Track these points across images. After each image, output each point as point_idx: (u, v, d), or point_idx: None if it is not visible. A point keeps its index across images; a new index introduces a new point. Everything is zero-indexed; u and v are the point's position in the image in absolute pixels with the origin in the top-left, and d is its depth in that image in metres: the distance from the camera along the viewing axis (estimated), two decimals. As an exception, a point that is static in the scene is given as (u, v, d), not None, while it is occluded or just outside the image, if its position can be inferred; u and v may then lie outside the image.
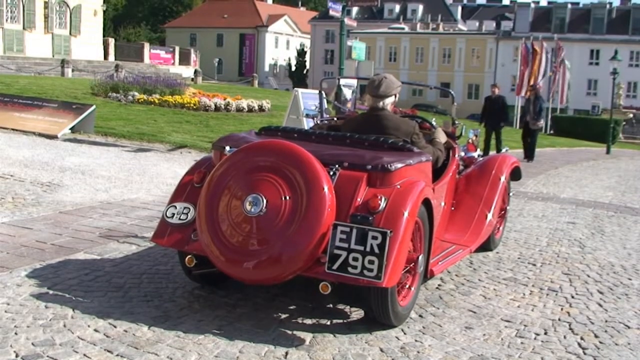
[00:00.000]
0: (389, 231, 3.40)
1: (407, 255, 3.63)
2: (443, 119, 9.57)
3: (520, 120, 17.18)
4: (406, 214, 3.54)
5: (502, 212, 5.96)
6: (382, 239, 3.37)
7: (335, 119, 5.73)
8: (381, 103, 4.51)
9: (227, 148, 4.01)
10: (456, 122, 5.57)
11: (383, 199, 3.58)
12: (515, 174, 6.09)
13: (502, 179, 5.58)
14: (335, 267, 3.41)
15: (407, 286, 3.89)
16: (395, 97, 4.60)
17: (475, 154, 5.88)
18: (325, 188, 3.53)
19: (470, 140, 5.90)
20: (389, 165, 3.72)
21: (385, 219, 3.50)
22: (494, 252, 5.76)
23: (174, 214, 4.04)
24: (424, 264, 4.03)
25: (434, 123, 5.32)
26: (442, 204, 4.72)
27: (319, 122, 5.62)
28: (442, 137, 4.98)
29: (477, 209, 5.27)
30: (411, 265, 3.85)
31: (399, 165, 3.78)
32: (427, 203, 3.89)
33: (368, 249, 3.37)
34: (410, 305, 3.92)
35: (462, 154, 5.65)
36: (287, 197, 3.54)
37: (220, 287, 4.19)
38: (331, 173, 3.67)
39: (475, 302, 4.36)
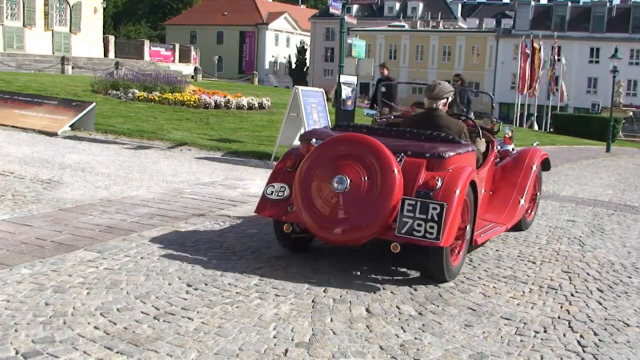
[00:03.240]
0: (445, 204, 4.34)
1: (457, 224, 4.56)
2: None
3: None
4: (457, 191, 4.49)
5: (534, 197, 6.86)
6: (440, 210, 4.32)
7: (392, 117, 6.79)
8: (435, 104, 5.50)
9: (314, 140, 5.01)
10: (494, 119, 6.70)
11: (439, 179, 4.53)
12: (545, 165, 7.14)
13: (534, 168, 6.50)
14: (403, 231, 4.37)
15: (457, 251, 4.81)
16: (447, 99, 5.56)
17: (510, 147, 6.86)
18: (395, 171, 4.49)
19: (506, 135, 6.86)
20: (443, 154, 4.71)
21: (441, 194, 4.45)
22: (493, 250, 5.76)
23: (272, 192, 5.00)
24: (470, 234, 4.97)
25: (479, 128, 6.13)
26: (482, 191, 5.55)
27: (378, 120, 6.81)
28: (482, 146, 5.94)
29: (511, 195, 6.20)
30: (460, 233, 4.77)
31: (451, 153, 4.75)
32: (472, 184, 4.86)
33: (429, 217, 4.32)
34: (459, 266, 4.85)
35: (499, 147, 6.56)
36: (366, 178, 4.53)
37: (304, 251, 5.22)
38: (398, 159, 4.61)
39: (475, 299, 4.36)
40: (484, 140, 5.97)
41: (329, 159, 4.66)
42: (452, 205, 4.40)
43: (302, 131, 10.18)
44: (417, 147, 4.81)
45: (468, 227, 4.90)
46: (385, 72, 14.14)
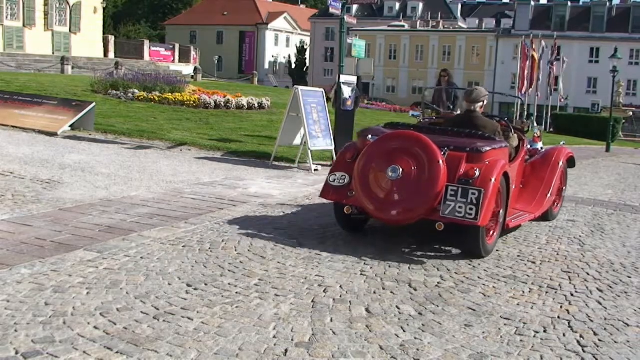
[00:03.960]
0: (482, 190, 5.11)
1: (492, 209, 5.34)
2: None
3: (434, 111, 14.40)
4: (493, 179, 5.26)
5: (560, 191, 7.56)
6: (478, 195, 5.08)
7: (434, 117, 7.72)
8: (473, 107, 6.37)
9: (370, 136, 5.85)
10: (525, 120, 7.41)
11: (477, 170, 5.30)
12: (571, 162, 7.84)
13: (560, 164, 7.28)
14: (447, 212, 5.13)
15: (491, 232, 5.57)
16: (483, 102, 6.41)
17: (539, 146, 7.65)
18: (440, 162, 5.26)
19: (535, 135, 7.63)
20: (481, 148, 5.51)
21: (479, 182, 5.22)
22: (493, 250, 5.76)
23: (334, 179, 5.79)
24: (503, 217, 5.75)
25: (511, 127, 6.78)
26: (513, 182, 6.18)
27: (421, 120, 7.62)
28: (514, 143, 6.50)
29: (540, 188, 6.98)
30: (495, 216, 5.52)
31: (487, 148, 5.54)
32: (505, 175, 5.65)
33: (469, 201, 5.09)
34: (493, 245, 5.63)
35: (529, 145, 7.23)
36: (415, 168, 5.29)
37: (359, 232, 6.05)
38: (443, 153, 5.36)
39: (475, 299, 4.36)
40: (515, 138, 6.60)
41: (383, 152, 5.45)
42: (488, 191, 5.17)
43: (302, 131, 10.20)
44: (459, 143, 5.60)
45: (501, 211, 5.70)
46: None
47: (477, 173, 5.27)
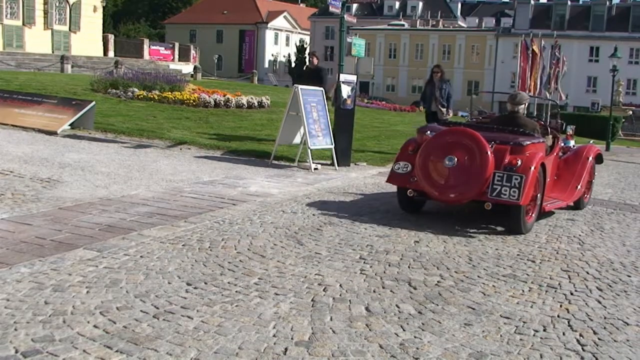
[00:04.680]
0: (523, 175, 6.15)
1: (532, 192, 6.37)
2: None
3: (422, 105, 13.53)
4: (532, 168, 6.28)
5: (589, 183, 8.53)
6: (520, 180, 6.12)
7: (481, 117, 8.98)
8: (516, 108, 7.40)
9: (428, 132, 6.92)
10: (559, 121, 8.38)
11: (519, 160, 6.35)
12: (599, 159, 8.91)
13: (589, 160, 8.30)
14: (494, 194, 6.19)
15: (530, 213, 6.59)
16: (524, 105, 7.50)
17: (571, 143, 9.02)
18: (489, 153, 6.31)
19: (568, 133, 8.86)
20: (522, 142, 6.56)
21: (521, 169, 6.23)
22: (493, 249, 5.77)
23: (399, 168, 6.89)
24: (540, 201, 6.76)
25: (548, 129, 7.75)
26: (548, 176, 7.14)
27: (469, 120, 8.65)
28: (549, 140, 7.49)
29: (571, 180, 7.98)
30: (533, 199, 6.57)
31: (527, 142, 6.60)
32: (542, 165, 6.68)
33: (512, 184, 6.14)
34: (531, 224, 6.64)
35: (562, 144, 8.24)
36: (468, 158, 6.35)
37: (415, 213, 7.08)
38: (490, 146, 6.36)
39: (475, 298, 4.36)
40: (551, 136, 7.60)
41: (441, 144, 6.52)
42: (528, 176, 6.19)
43: (301, 130, 10.20)
44: (503, 138, 6.66)
45: (539, 195, 6.72)
46: (315, 61, 13.44)
47: (519, 162, 6.33)
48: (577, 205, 8.17)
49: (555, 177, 7.72)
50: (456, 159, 6.37)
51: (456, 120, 7.89)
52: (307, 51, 74.15)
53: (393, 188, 8.70)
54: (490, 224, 6.77)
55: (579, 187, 7.93)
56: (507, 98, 7.67)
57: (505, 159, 6.38)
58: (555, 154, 7.65)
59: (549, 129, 7.62)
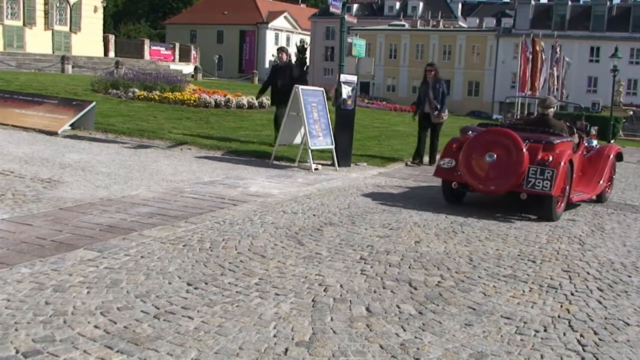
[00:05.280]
0: (554, 170, 7.12)
1: (562, 184, 7.31)
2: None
3: (415, 109, 12.55)
4: (562, 163, 7.25)
5: (610, 179, 9.37)
6: (551, 173, 7.10)
7: (514, 119, 10.12)
8: (546, 111, 8.39)
9: (470, 132, 7.98)
10: (584, 123, 9.24)
11: (551, 156, 7.29)
12: (619, 157, 9.73)
13: (611, 158, 9.17)
14: (529, 186, 7.18)
15: (559, 203, 7.52)
16: (553, 109, 8.52)
17: (594, 143, 10.04)
18: (524, 150, 7.28)
19: (592, 133, 9.76)
20: (552, 141, 7.54)
21: (552, 164, 7.19)
22: (493, 249, 5.77)
23: (444, 163, 7.90)
24: (568, 193, 7.71)
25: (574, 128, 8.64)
26: (574, 172, 8.02)
27: (503, 122, 9.82)
28: (575, 140, 8.32)
29: (595, 175, 8.85)
30: (562, 191, 7.48)
31: (557, 141, 7.57)
32: (570, 161, 7.63)
33: (545, 177, 7.11)
34: (560, 213, 7.57)
35: (586, 143, 9.12)
36: (506, 154, 7.30)
37: (458, 203, 8.01)
38: (525, 144, 7.34)
39: (475, 299, 4.36)
40: (576, 135, 8.45)
41: (482, 143, 7.52)
42: (558, 170, 7.14)
43: (302, 130, 10.19)
44: (536, 137, 7.61)
45: (567, 188, 7.64)
46: (284, 57, 12.40)
47: (551, 158, 7.26)
48: (599, 199, 9.00)
49: (580, 173, 8.50)
50: (495, 156, 7.32)
51: (493, 122, 9.32)
52: (308, 51, 74.28)
53: (393, 188, 8.70)
54: (526, 213, 7.60)
55: (601, 182, 8.84)
56: (537, 102, 8.99)
57: (538, 156, 7.32)
58: (580, 152, 8.55)
59: (575, 130, 8.49)
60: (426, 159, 12.16)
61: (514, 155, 7.27)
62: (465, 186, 7.73)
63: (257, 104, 18.10)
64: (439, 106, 11.65)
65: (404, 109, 32.28)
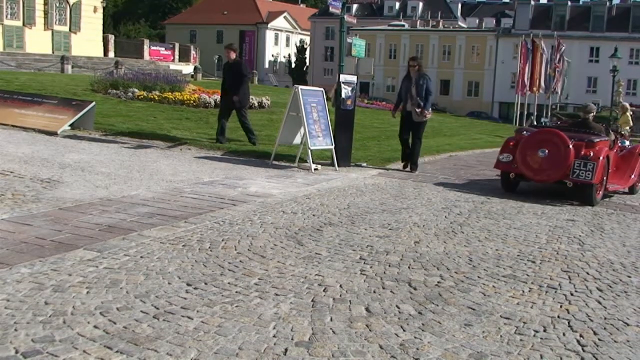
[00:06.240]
0: (595, 162, 8.62)
1: (601, 175, 8.84)
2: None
3: (395, 107, 11.51)
4: (601, 158, 8.77)
5: None
6: (593, 166, 8.61)
7: (559, 122, 11.94)
8: (587, 115, 9.94)
9: (525, 132, 9.70)
10: (618, 125, 12.45)
11: (592, 152, 8.85)
12: None
13: None
14: (574, 176, 8.71)
15: (598, 191, 9.02)
16: (593, 113, 10.07)
17: (627, 143, 11.41)
18: (570, 147, 8.80)
19: (626, 134, 11.24)
20: (593, 140, 9.11)
21: (593, 158, 8.70)
22: (493, 249, 5.77)
23: (503, 157, 9.39)
24: (605, 183, 9.25)
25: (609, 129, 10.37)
26: (610, 167, 9.45)
27: (548, 124, 11.77)
28: (611, 138, 9.76)
29: (627, 171, 10.32)
30: (600, 181, 8.99)
31: (597, 140, 9.14)
32: (607, 157, 9.16)
33: (587, 169, 8.62)
34: (599, 200, 9.10)
35: (620, 143, 10.55)
36: (555, 150, 8.82)
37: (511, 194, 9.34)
38: (571, 142, 8.86)
39: (475, 299, 4.36)
40: (612, 135, 9.87)
41: (535, 141, 9.08)
42: (598, 163, 8.66)
43: (302, 131, 10.19)
44: (579, 137, 9.18)
45: (605, 179, 9.18)
46: (232, 55, 12.07)
47: (592, 154, 8.82)
48: (631, 190, 10.48)
49: (614, 168, 9.84)
50: (547, 151, 8.88)
51: (542, 125, 10.96)
52: (307, 51, 74.30)
53: (393, 188, 8.70)
54: (570, 199, 9.08)
55: (632, 176, 10.34)
56: (579, 108, 10.68)
57: (582, 151, 8.85)
58: (615, 150, 9.99)
59: (610, 131, 10.03)
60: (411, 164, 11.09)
61: (562, 151, 8.79)
62: (520, 176, 9.29)
63: (256, 104, 18.10)
64: (421, 103, 10.72)
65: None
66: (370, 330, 3.67)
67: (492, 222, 7.08)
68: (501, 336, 3.74)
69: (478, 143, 19.86)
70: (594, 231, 7.03)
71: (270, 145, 11.56)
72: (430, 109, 11.00)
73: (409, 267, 4.99)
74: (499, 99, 61.16)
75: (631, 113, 19.98)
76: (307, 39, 76.50)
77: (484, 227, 6.74)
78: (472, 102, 62.19)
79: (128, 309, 3.73)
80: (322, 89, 11.05)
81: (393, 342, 3.53)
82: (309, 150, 10.06)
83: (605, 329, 3.99)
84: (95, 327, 3.44)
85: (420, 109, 10.70)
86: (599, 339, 3.81)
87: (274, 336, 3.49)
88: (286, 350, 3.33)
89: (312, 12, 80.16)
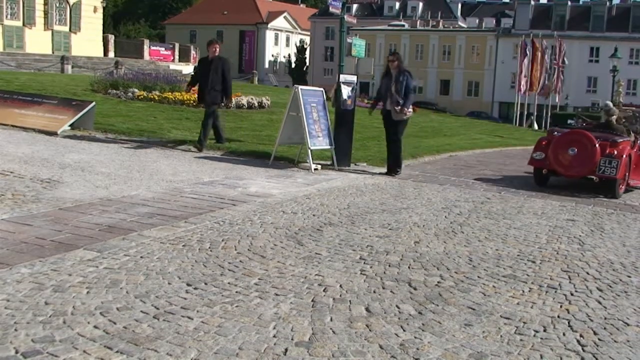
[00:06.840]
0: (619, 160, 9.73)
1: (623, 171, 9.86)
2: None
3: (372, 105, 11.41)
4: (624, 156, 9.84)
5: None
6: (616, 163, 9.71)
7: (584, 124, 12.97)
8: (610, 118, 10.97)
9: (556, 132, 10.76)
10: (638, 126, 12.13)
11: (615, 151, 9.88)
12: None
13: None
14: (600, 172, 9.79)
15: (621, 185, 10.01)
16: (615, 115, 11.10)
17: None
18: (596, 146, 9.86)
19: None
20: (616, 140, 10.15)
21: (617, 156, 9.79)
22: (493, 249, 5.77)
23: (536, 155, 10.42)
24: (627, 179, 10.24)
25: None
26: (631, 165, 10.45)
27: (574, 125, 13.41)
28: (632, 138, 10.73)
29: None
30: (623, 177, 10.00)
31: (620, 140, 10.18)
32: (629, 155, 10.21)
33: (612, 166, 9.71)
34: (622, 193, 10.08)
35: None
36: (583, 149, 9.88)
37: (544, 188, 10.22)
38: (597, 141, 9.87)
39: (475, 299, 4.36)
40: (633, 136, 10.87)
41: (565, 140, 10.11)
42: (621, 161, 9.70)
43: (302, 130, 10.19)
44: (604, 137, 10.19)
45: (627, 175, 10.17)
46: (216, 50, 11.40)
47: (616, 152, 9.85)
48: None
49: (634, 165, 10.71)
50: (576, 150, 9.89)
51: (569, 126, 12.12)
52: (307, 51, 74.32)
53: (393, 188, 8.72)
54: (596, 193, 9.88)
55: None
56: (602, 110, 12.01)
57: (607, 150, 9.86)
58: (636, 149, 10.85)
59: (632, 133, 10.98)
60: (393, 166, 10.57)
61: (589, 149, 9.83)
62: (552, 172, 10.33)
63: (256, 104, 18.10)
64: (401, 101, 10.13)
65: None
66: (370, 330, 3.67)
67: (492, 222, 7.08)
68: (501, 336, 3.74)
69: (478, 143, 19.86)
70: (594, 231, 7.03)
71: (270, 145, 11.56)
72: (410, 106, 10.41)
73: (409, 267, 4.99)
74: (499, 99, 61.14)
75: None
76: (307, 39, 76.49)
77: (484, 227, 6.74)
78: (472, 102, 62.17)
79: (128, 309, 3.73)
80: (322, 89, 11.05)
81: (393, 342, 3.53)
82: (309, 150, 10.06)
83: (605, 328, 3.99)
84: (95, 327, 3.45)
85: (400, 107, 10.17)
86: (599, 339, 3.81)
87: (274, 336, 3.49)
88: (286, 350, 3.33)
89: (312, 12, 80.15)
